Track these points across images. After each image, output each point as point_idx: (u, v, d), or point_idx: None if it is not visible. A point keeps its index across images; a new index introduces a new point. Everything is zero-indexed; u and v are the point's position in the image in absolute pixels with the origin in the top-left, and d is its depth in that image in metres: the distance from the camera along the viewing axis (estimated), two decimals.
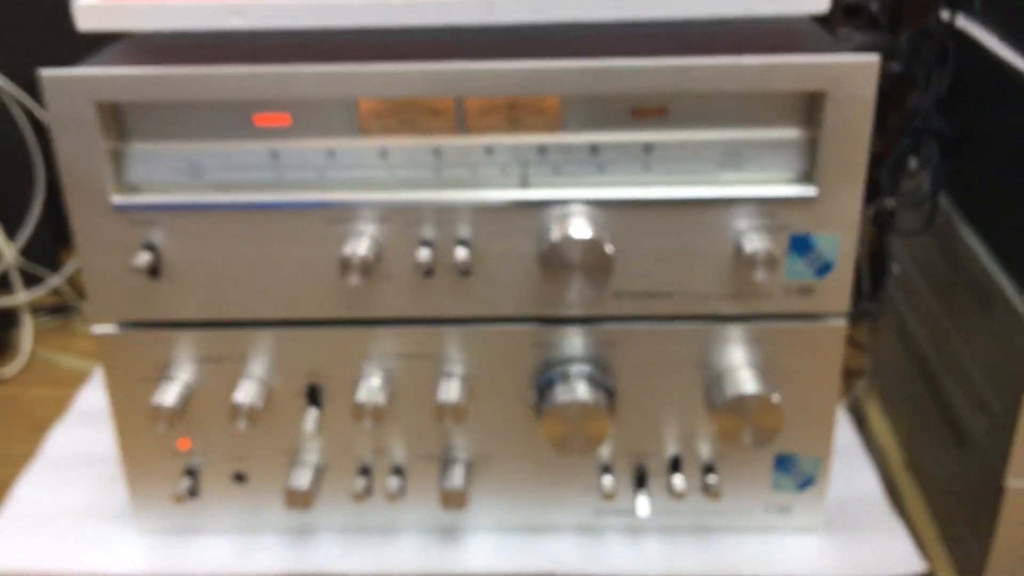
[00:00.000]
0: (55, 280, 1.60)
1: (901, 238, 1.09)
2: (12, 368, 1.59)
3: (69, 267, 1.57)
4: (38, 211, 1.64)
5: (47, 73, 0.56)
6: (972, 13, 0.92)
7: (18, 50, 1.41)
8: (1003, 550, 0.86)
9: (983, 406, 0.87)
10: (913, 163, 0.96)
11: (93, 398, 0.81)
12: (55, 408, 1.54)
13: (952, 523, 0.96)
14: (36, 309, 1.68)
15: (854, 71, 0.55)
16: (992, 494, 0.85)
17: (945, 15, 0.90)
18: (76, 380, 1.54)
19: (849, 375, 1.27)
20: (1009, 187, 0.84)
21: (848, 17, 1.17)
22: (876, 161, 0.98)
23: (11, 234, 1.58)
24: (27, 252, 1.62)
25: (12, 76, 1.61)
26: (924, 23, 0.94)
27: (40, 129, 1.66)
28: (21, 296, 1.61)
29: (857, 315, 1.27)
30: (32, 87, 1.67)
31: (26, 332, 1.63)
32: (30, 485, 0.73)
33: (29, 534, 0.68)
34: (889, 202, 0.98)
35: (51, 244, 1.76)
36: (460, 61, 0.55)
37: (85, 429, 0.78)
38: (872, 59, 0.54)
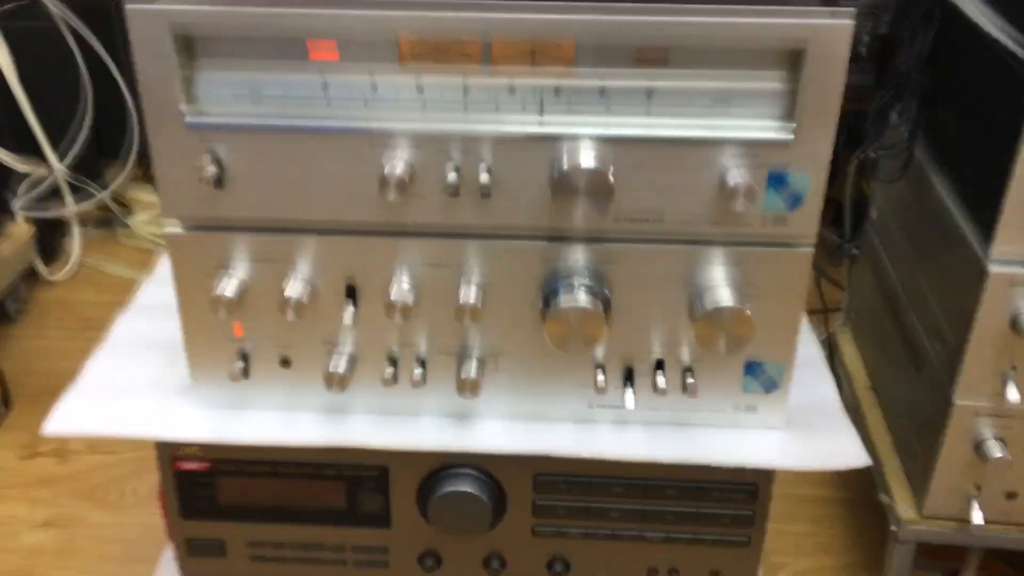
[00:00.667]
0: (102, 195, 1.70)
1: (880, 185, 1.18)
2: (62, 274, 1.71)
3: (115, 182, 1.67)
4: (86, 128, 1.74)
5: (130, 6, 0.65)
6: None
7: None
8: (947, 458, 0.97)
9: (939, 334, 0.98)
10: (894, 116, 1.05)
11: (153, 293, 0.91)
12: (103, 310, 1.65)
13: (906, 437, 1.08)
14: (83, 220, 1.79)
15: (831, 31, 0.63)
16: (941, 410, 0.96)
17: None
18: (121, 286, 1.66)
19: (828, 311, 1.38)
20: (973, 139, 0.94)
21: None
22: (865, 115, 1.07)
23: (57, 143, 1.67)
24: (75, 167, 1.73)
25: (63, 3, 1.69)
26: None
27: (87, 49, 1.75)
28: (70, 207, 1.72)
29: (839, 256, 1.37)
30: (83, 13, 1.75)
31: (75, 241, 1.75)
32: (100, 364, 0.84)
33: (99, 403, 0.79)
34: (871, 151, 1.07)
35: (97, 160, 1.87)
36: (488, 8, 0.64)
37: (147, 318, 0.88)
38: (847, 22, 0.63)
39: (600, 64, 0.66)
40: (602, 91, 0.67)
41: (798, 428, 0.78)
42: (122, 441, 0.80)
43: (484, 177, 0.68)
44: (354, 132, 0.68)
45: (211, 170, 0.68)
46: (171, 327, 0.77)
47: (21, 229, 1.54)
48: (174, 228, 0.72)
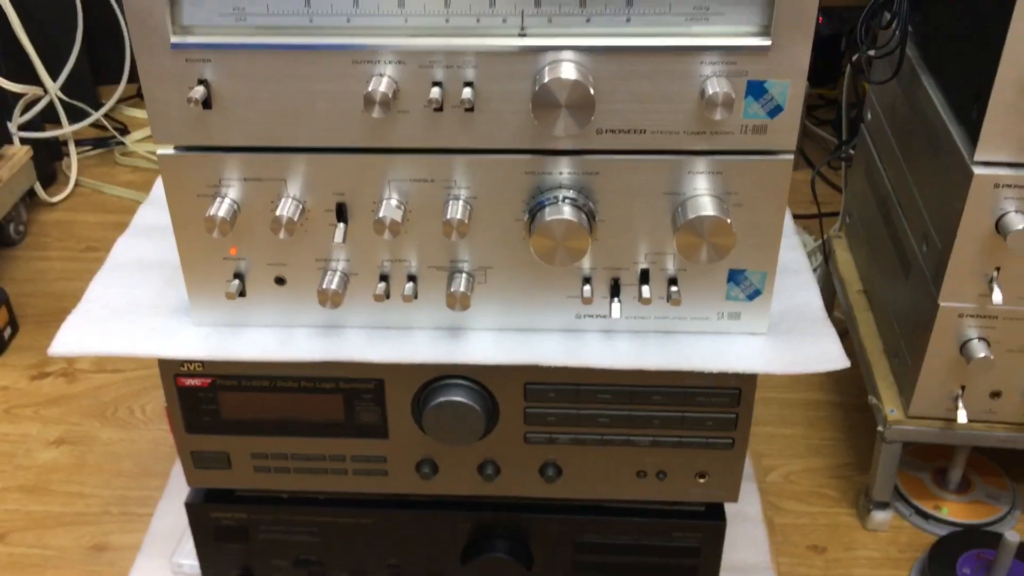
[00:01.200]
0: (98, 114, 1.69)
1: (874, 87, 1.18)
2: (61, 195, 1.72)
3: (109, 102, 1.66)
4: (77, 50, 1.73)
5: None
6: None
7: None
8: (933, 359, 1.00)
9: (926, 237, 0.99)
10: (886, 17, 1.04)
11: (150, 215, 0.92)
12: (102, 231, 1.68)
13: (895, 340, 1.10)
14: (79, 142, 1.79)
15: None
16: (928, 312, 0.97)
17: None
18: (119, 207, 1.68)
19: (824, 215, 1.38)
20: (960, 42, 0.93)
21: None
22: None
23: (53, 72, 1.67)
24: (68, 89, 1.72)
25: None
26: None
27: None
28: (66, 128, 1.72)
29: (834, 159, 1.37)
30: None
31: (72, 162, 1.75)
32: (101, 286, 0.86)
33: (103, 324, 0.81)
34: (864, 52, 1.06)
35: (91, 81, 1.86)
36: None
37: (146, 240, 0.90)
38: None
39: None
40: (582, 2, 0.67)
41: (780, 333, 0.80)
42: (128, 359, 0.82)
43: (467, 92, 0.68)
44: (337, 50, 0.68)
45: (198, 91, 0.69)
46: (169, 248, 0.79)
47: (19, 151, 1.54)
48: (166, 150, 0.73)
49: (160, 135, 0.73)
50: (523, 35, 0.68)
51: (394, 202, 0.73)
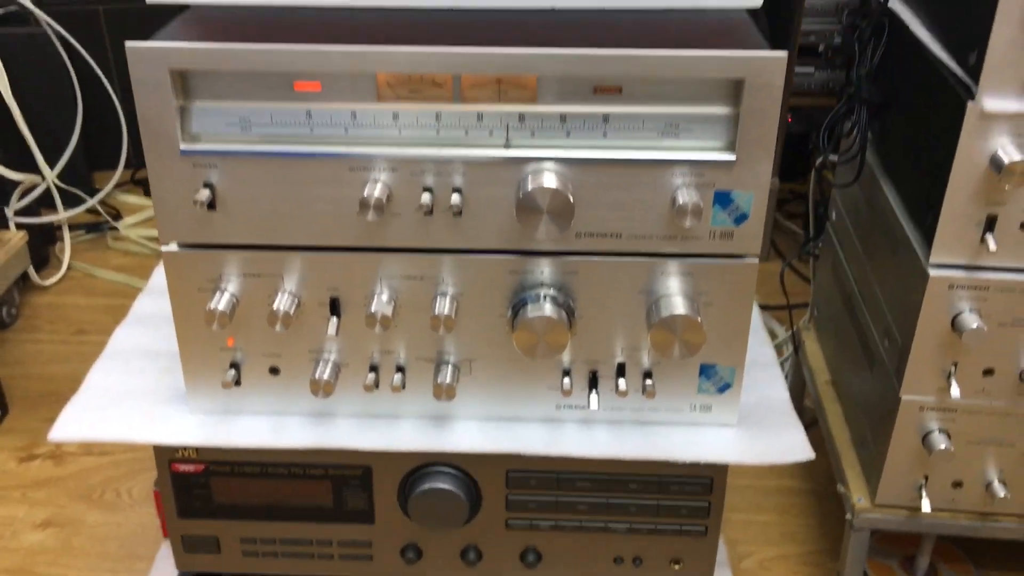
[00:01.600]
0: (93, 201, 1.74)
1: (838, 188, 1.25)
2: (53, 278, 1.75)
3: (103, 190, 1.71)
4: (75, 139, 1.79)
5: (131, 44, 0.70)
6: None
7: None
8: (897, 450, 1.04)
9: (888, 333, 1.04)
10: (848, 125, 1.11)
11: (148, 305, 0.97)
12: (93, 314, 1.71)
13: (861, 430, 1.14)
14: (72, 226, 1.84)
15: (767, 64, 0.69)
16: (891, 405, 1.02)
17: None
18: (111, 290, 1.71)
19: (795, 307, 1.44)
20: (916, 150, 1.00)
21: None
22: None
23: (50, 158, 1.73)
24: (64, 175, 1.77)
25: (52, 14, 1.74)
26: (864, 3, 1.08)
27: (78, 62, 1.79)
28: (62, 214, 1.76)
29: (803, 254, 1.43)
30: (72, 24, 1.80)
31: (66, 246, 1.79)
32: (100, 374, 0.89)
33: (102, 411, 0.85)
34: (828, 158, 1.13)
35: (85, 167, 1.91)
36: (458, 45, 0.70)
37: (144, 329, 0.94)
38: (781, 54, 0.69)
39: (560, 95, 0.72)
40: (563, 118, 0.73)
41: (750, 425, 0.84)
42: (118, 444, 0.86)
43: (455, 198, 0.74)
44: (335, 157, 0.74)
45: (204, 194, 0.74)
46: (165, 338, 0.83)
47: (15, 236, 1.58)
48: (170, 247, 0.78)
49: (166, 233, 0.77)
50: (508, 147, 0.74)
51: (385, 297, 0.78)
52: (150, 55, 0.70)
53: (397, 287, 0.79)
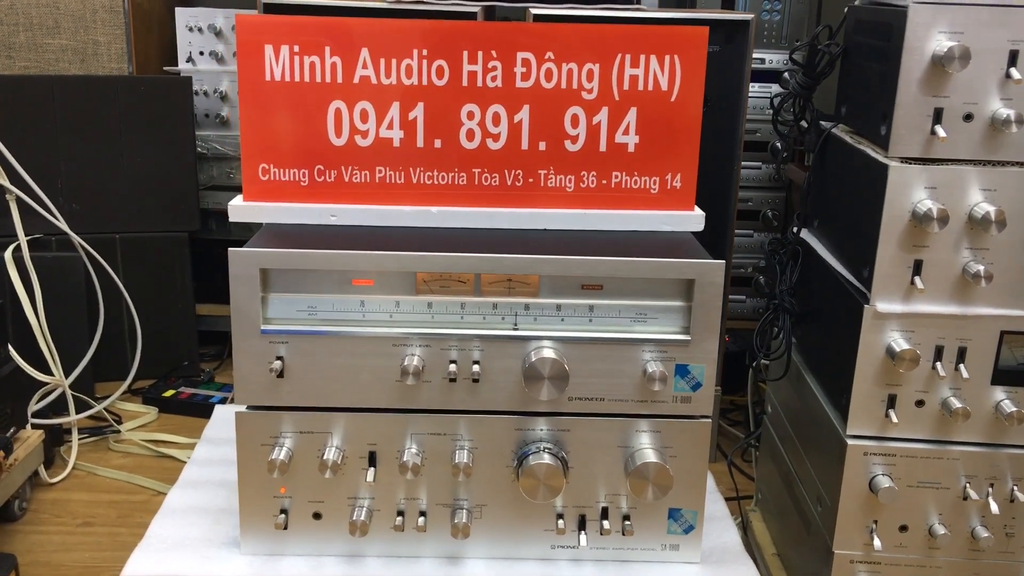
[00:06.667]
0: (100, 406, 1.90)
1: (771, 384, 1.48)
2: (59, 476, 1.89)
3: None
4: (92, 351, 1.98)
5: (234, 250, 0.92)
6: (812, 228, 1.34)
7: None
8: None
9: (820, 499, 1.24)
10: (775, 331, 1.36)
11: (194, 472, 1.13)
12: (95, 508, 1.83)
13: None
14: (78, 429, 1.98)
15: (710, 269, 0.94)
16: (825, 560, 1.20)
17: (794, 229, 1.32)
18: (112, 487, 1.85)
19: (743, 498, 1.63)
20: (829, 344, 1.24)
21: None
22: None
23: (65, 366, 1.91)
24: (74, 383, 1.94)
25: (79, 231, 1.97)
26: (783, 233, 1.36)
27: (101, 277, 2.00)
28: (73, 416, 1.92)
29: (745, 446, 1.64)
30: (98, 242, 2.03)
31: (73, 446, 1.93)
32: (159, 527, 1.04)
33: (164, 553, 0.99)
34: (760, 358, 1.37)
35: (91, 377, 2.10)
36: (477, 253, 0.93)
37: (193, 491, 1.10)
38: (720, 262, 0.94)
39: (556, 290, 0.95)
40: (558, 307, 0.96)
41: (711, 564, 1.02)
42: None
43: (475, 368, 0.95)
44: (381, 337, 0.95)
45: (277, 364, 0.94)
46: (211, 497, 1.00)
47: (32, 435, 1.73)
48: (241, 409, 0.96)
49: (241, 397, 0.96)
50: (516, 329, 0.96)
51: (414, 450, 0.97)
52: (247, 257, 0.92)
53: (423, 441, 0.97)
